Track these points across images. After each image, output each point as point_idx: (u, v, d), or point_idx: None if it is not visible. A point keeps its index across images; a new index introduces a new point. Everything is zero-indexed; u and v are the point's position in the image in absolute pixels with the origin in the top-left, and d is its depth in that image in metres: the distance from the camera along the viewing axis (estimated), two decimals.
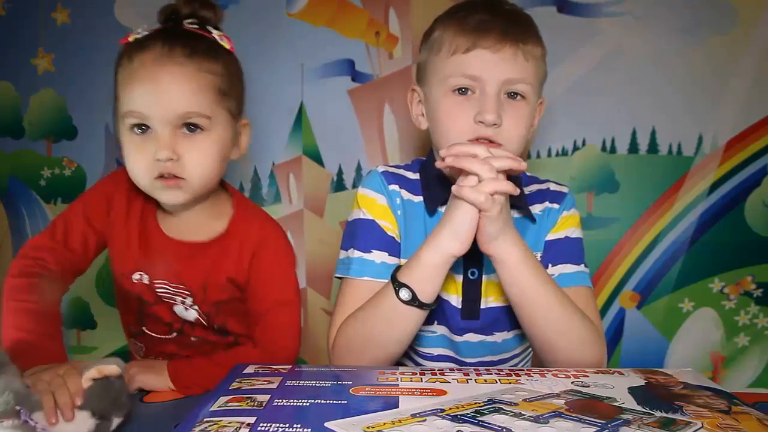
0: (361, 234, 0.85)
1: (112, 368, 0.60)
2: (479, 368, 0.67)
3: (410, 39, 1.36)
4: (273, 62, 1.39)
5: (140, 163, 0.78)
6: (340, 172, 1.41)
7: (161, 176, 0.78)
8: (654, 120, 1.32)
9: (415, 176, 0.89)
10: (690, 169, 1.33)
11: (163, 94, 0.76)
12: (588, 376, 0.64)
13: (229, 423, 0.50)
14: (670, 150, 1.33)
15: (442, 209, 0.79)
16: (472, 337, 0.86)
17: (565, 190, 0.90)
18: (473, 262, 0.83)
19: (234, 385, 0.60)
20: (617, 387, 0.61)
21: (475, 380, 0.62)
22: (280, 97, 1.40)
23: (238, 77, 0.87)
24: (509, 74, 0.78)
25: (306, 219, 1.42)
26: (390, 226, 0.86)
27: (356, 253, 0.84)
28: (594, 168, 1.34)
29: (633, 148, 1.33)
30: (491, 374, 0.64)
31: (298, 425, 0.49)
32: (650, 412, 0.53)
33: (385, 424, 0.49)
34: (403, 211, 0.86)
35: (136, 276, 0.87)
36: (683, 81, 1.31)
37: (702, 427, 0.50)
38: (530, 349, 0.94)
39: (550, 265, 0.86)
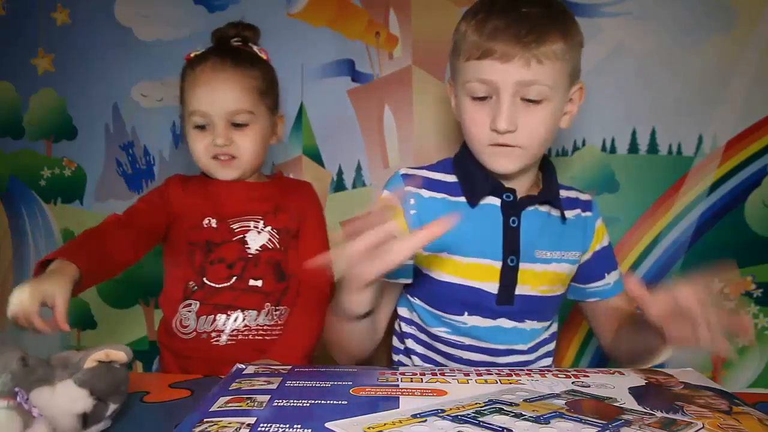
0: None
1: (120, 354, 0.60)
2: (480, 369, 0.67)
3: (410, 39, 1.36)
4: (273, 62, 1.39)
5: (201, 147, 1.02)
6: (340, 172, 1.41)
7: (216, 158, 1.02)
8: (654, 120, 1.32)
9: (440, 175, 0.92)
10: (690, 169, 1.33)
11: (217, 95, 1.00)
12: (588, 376, 0.64)
13: (229, 423, 0.49)
14: (670, 150, 1.33)
15: (484, 201, 0.88)
16: (504, 323, 0.89)
17: (590, 197, 0.98)
18: (512, 250, 0.87)
19: (234, 386, 0.60)
20: (618, 387, 0.61)
21: (475, 381, 0.62)
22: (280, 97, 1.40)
23: (274, 80, 1.09)
24: (522, 78, 0.78)
25: None
26: None
27: None
28: (594, 168, 1.34)
29: (633, 148, 1.33)
30: (491, 375, 0.64)
31: (299, 425, 0.49)
32: (651, 412, 0.53)
33: (385, 424, 0.49)
34: (418, 210, 0.89)
35: (205, 222, 1.02)
36: (683, 81, 1.31)
37: (703, 427, 0.50)
38: (554, 339, 0.99)
39: (606, 274, 0.96)
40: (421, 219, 0.89)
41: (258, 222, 1.04)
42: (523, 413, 0.52)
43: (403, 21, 1.36)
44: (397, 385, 0.60)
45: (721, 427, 0.50)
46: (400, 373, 0.64)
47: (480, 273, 0.88)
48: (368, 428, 0.48)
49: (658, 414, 0.53)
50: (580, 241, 0.93)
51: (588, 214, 0.95)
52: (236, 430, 0.48)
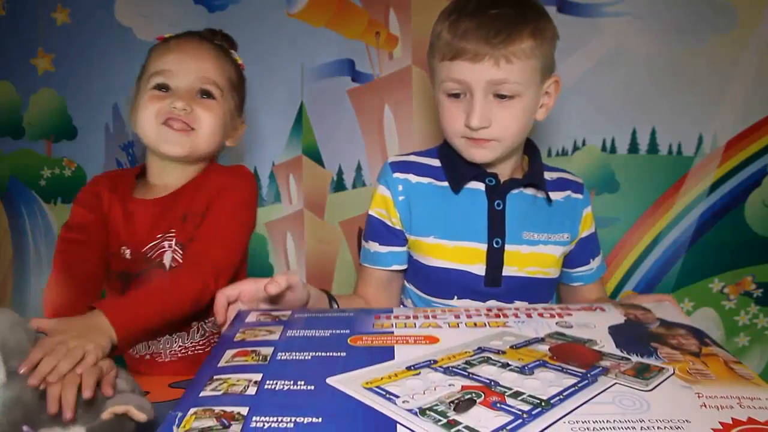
0: (366, 226, 0.99)
1: (141, 416, 0.55)
2: (469, 309, 0.69)
3: (410, 39, 1.37)
4: (273, 62, 1.40)
5: (152, 111, 0.90)
6: (340, 172, 1.41)
7: (168, 124, 0.90)
8: (654, 120, 1.33)
9: (427, 160, 0.97)
10: (690, 169, 1.34)
11: (189, 60, 0.92)
12: (571, 315, 0.67)
13: (238, 381, 0.52)
14: (670, 150, 1.33)
15: (468, 185, 0.92)
16: (494, 305, 0.92)
17: (580, 180, 1.00)
18: (497, 232, 0.90)
19: (238, 337, 0.63)
20: (598, 326, 0.64)
21: (465, 324, 0.64)
22: (280, 97, 1.40)
23: (244, 86, 1.03)
24: (492, 77, 0.82)
25: (306, 219, 1.42)
26: (385, 214, 0.95)
27: (363, 243, 1.00)
28: (594, 168, 1.35)
29: (633, 148, 1.34)
30: (480, 316, 0.67)
31: (302, 382, 0.51)
32: (627, 356, 0.57)
33: (382, 378, 0.52)
34: (407, 196, 0.94)
35: (121, 250, 0.93)
36: (683, 81, 1.32)
37: (674, 373, 0.53)
38: None
39: (590, 260, 1.00)
40: (410, 204, 0.94)
41: (171, 240, 0.92)
42: (510, 363, 0.55)
43: (403, 21, 1.37)
44: (392, 332, 0.62)
45: (690, 372, 0.53)
46: (395, 317, 0.67)
47: (467, 256, 0.91)
48: (366, 383, 0.51)
49: (634, 359, 0.56)
50: (568, 225, 0.96)
51: (579, 196, 0.98)
52: (245, 387, 0.51)
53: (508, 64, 0.81)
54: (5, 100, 1.50)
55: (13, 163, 1.51)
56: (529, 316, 0.67)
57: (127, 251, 0.93)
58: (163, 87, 0.91)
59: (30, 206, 1.52)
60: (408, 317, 0.67)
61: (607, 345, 0.59)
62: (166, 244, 0.92)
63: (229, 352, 0.59)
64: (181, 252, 0.91)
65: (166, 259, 0.92)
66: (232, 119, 0.99)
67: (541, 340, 0.61)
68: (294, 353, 0.58)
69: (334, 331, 0.63)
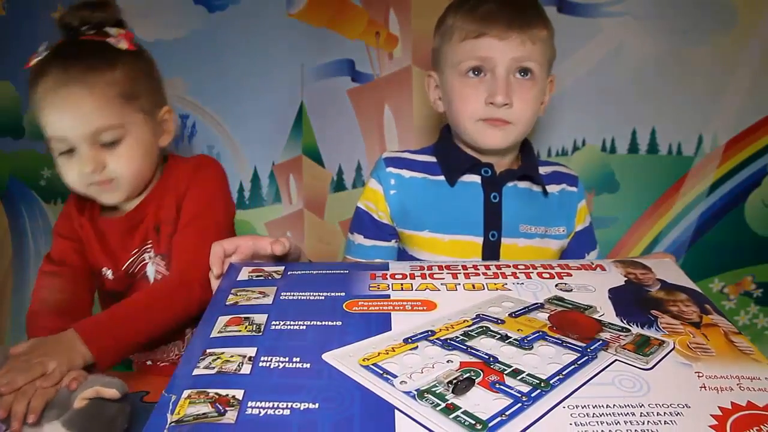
0: (352, 218, 1.00)
1: (112, 392, 0.57)
2: (467, 265, 0.69)
3: (410, 39, 1.37)
4: (273, 62, 1.39)
5: (73, 177, 0.88)
6: (340, 172, 1.41)
7: (95, 185, 0.87)
8: (654, 120, 1.33)
9: (422, 157, 0.97)
10: (690, 169, 1.34)
11: (71, 117, 0.83)
12: (571, 275, 0.66)
13: (231, 357, 0.51)
14: (670, 150, 1.33)
15: (463, 178, 0.93)
16: (492, 262, 0.94)
17: (574, 173, 1.01)
18: (493, 225, 0.91)
19: (230, 299, 0.61)
20: (598, 289, 0.63)
21: (463, 286, 0.64)
22: (280, 97, 1.40)
23: (145, 73, 0.92)
24: (516, 54, 0.85)
25: (306, 219, 1.43)
26: (373, 207, 0.96)
27: (348, 235, 1.02)
28: (594, 168, 1.35)
29: (633, 148, 1.34)
30: (479, 276, 0.66)
31: (297, 359, 0.50)
32: (627, 326, 0.57)
33: (379, 354, 0.51)
34: (399, 191, 0.94)
35: (103, 271, 0.94)
36: (683, 81, 1.32)
37: (674, 348, 0.53)
38: None
39: (586, 254, 1.01)
40: (402, 199, 0.94)
41: (149, 251, 0.92)
42: (509, 335, 0.55)
43: (403, 21, 1.37)
44: (389, 296, 0.61)
45: (690, 346, 0.53)
46: (391, 276, 0.66)
47: (462, 249, 0.91)
48: (363, 360, 0.51)
49: (634, 329, 0.56)
50: (564, 218, 0.97)
51: (573, 189, 0.99)
52: (239, 365, 0.50)
53: (533, 45, 0.85)
54: (5, 100, 1.50)
55: (13, 163, 1.51)
56: (528, 276, 0.65)
57: (108, 272, 0.93)
58: (67, 151, 0.86)
59: (30, 206, 1.52)
60: (405, 276, 0.66)
61: (607, 311, 0.59)
62: (146, 256, 0.92)
63: (222, 319, 0.57)
64: (164, 263, 0.91)
65: (149, 272, 0.92)
66: (152, 127, 0.90)
67: (541, 306, 0.60)
68: (288, 322, 0.56)
69: (329, 294, 0.61)
